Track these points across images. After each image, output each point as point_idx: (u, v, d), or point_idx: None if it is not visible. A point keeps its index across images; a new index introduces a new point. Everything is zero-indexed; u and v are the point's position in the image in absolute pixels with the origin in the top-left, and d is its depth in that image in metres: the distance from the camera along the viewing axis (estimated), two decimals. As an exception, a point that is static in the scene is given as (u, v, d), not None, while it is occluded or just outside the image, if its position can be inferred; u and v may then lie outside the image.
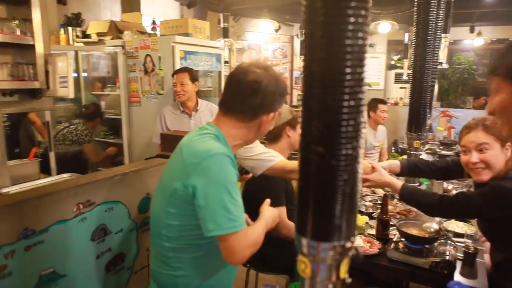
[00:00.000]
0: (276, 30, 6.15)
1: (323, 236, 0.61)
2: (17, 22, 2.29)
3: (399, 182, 1.67)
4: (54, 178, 2.67)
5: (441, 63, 4.01)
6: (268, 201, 1.40)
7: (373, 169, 1.71)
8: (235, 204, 1.14)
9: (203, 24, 3.59)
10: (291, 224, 1.91)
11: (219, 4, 5.53)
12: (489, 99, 1.05)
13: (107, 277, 1.43)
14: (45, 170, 3.14)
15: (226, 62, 4.60)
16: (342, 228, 0.61)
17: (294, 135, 2.08)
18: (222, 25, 5.15)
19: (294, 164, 1.66)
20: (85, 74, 4.03)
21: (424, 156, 3.41)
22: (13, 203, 1.13)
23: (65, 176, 2.69)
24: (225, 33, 5.11)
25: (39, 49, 2.36)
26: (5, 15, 2.33)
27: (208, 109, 3.07)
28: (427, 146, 4.08)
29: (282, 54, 7.33)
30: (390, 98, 7.27)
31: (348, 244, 0.62)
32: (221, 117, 1.28)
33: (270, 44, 7.20)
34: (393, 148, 4.93)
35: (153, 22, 4.87)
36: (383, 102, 3.89)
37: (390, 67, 8.04)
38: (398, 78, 7.79)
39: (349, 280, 0.66)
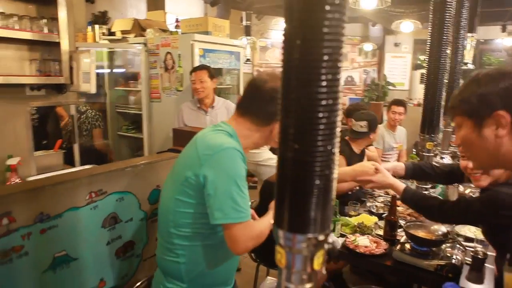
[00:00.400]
0: (299, 29, 6.14)
1: (298, 228, 0.64)
2: (45, 20, 2.41)
3: (401, 184, 1.66)
4: (75, 169, 2.80)
5: (466, 64, 3.90)
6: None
7: (377, 170, 1.71)
8: (242, 196, 1.21)
9: (223, 23, 3.65)
10: None
11: (242, 2, 5.58)
12: (456, 133, 1.08)
13: (117, 262, 1.50)
14: (71, 162, 3.29)
15: (248, 60, 4.66)
16: (316, 222, 0.64)
17: None
18: (244, 23, 5.21)
19: None
20: (109, 71, 4.18)
21: (447, 160, 3.33)
22: (30, 189, 1.22)
23: (87, 167, 2.81)
24: (247, 31, 5.17)
25: (64, 46, 2.48)
26: (35, 14, 2.47)
27: (225, 107, 3.12)
28: (450, 149, 3.98)
29: (305, 52, 7.33)
30: (413, 99, 7.12)
31: (322, 237, 0.65)
32: (237, 117, 1.36)
33: (293, 42, 7.20)
34: (413, 150, 4.84)
35: (177, 20, 4.98)
36: (397, 103, 3.77)
37: (416, 67, 7.87)
38: (423, 79, 7.62)
39: (323, 272, 0.70)
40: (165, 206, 1.33)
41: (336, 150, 0.64)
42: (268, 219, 1.33)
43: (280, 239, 0.67)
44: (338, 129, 0.63)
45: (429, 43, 2.12)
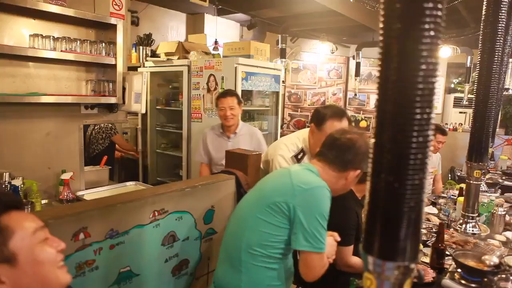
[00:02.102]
0: (333, 52, 6.22)
1: (389, 256, 0.68)
2: (103, 44, 2.58)
3: None
4: (120, 185, 2.91)
5: (507, 89, 3.85)
6: (337, 237, 1.57)
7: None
8: (324, 230, 1.37)
9: (264, 47, 3.76)
10: (356, 262, 1.94)
11: (278, 26, 5.72)
12: None
13: (172, 280, 1.56)
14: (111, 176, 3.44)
15: (282, 81, 4.73)
16: (406, 250, 0.67)
17: None
18: (280, 46, 5.33)
19: None
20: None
21: (483, 186, 3.26)
22: (103, 206, 1.31)
23: (129, 184, 2.93)
24: (282, 54, 5.28)
25: (120, 68, 2.63)
26: (94, 38, 2.64)
27: (249, 134, 2.99)
28: (487, 176, 3.90)
29: (337, 75, 7.36)
30: (448, 123, 7.00)
31: (412, 265, 0.68)
32: (317, 162, 1.53)
33: (325, 64, 7.27)
34: (449, 175, 4.76)
35: (215, 42, 5.16)
36: (442, 132, 3.68)
37: (449, 90, 7.76)
38: (457, 103, 7.47)
39: (410, 299, 0.72)
40: (243, 221, 1.44)
41: (426, 183, 0.68)
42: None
43: (369, 265, 0.70)
44: (428, 165, 0.67)
45: (477, 71, 2.13)
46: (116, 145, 4.03)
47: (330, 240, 1.51)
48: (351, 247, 1.98)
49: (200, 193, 1.65)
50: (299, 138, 2.22)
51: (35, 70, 2.48)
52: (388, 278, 0.68)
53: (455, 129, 6.13)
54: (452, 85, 7.78)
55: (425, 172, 0.67)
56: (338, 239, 1.57)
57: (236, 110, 2.83)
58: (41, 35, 2.36)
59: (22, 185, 2.34)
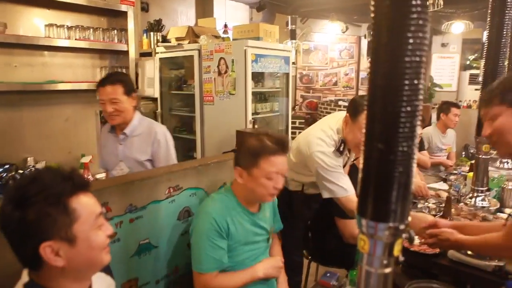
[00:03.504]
0: (343, 31, 6.16)
1: (381, 217, 0.74)
2: (115, 31, 2.65)
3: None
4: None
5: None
6: (278, 258, 1.72)
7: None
8: None
9: (273, 28, 3.78)
10: None
11: (287, 7, 5.68)
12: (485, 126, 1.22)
13: (188, 252, 1.65)
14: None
15: (293, 63, 4.76)
16: (397, 212, 0.73)
17: None
18: (289, 27, 5.31)
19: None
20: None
21: (510, 164, 3.23)
22: (122, 183, 1.40)
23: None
24: (292, 35, 5.27)
25: (132, 54, 2.71)
26: (106, 25, 2.71)
27: (148, 135, 2.06)
28: (496, 151, 3.86)
29: (348, 55, 7.30)
30: (462, 100, 6.90)
31: (402, 226, 0.74)
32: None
33: (336, 44, 7.20)
34: (463, 152, 4.73)
35: (225, 26, 5.17)
36: (456, 105, 3.79)
37: (464, 67, 7.61)
38: (473, 79, 7.33)
39: (401, 258, 0.79)
40: None
41: (416, 150, 0.74)
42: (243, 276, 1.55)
43: (363, 227, 0.77)
44: (417, 132, 0.72)
45: (486, 46, 2.12)
46: None
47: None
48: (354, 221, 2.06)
49: (213, 170, 1.73)
50: (333, 129, 2.01)
51: (52, 58, 2.58)
52: (380, 238, 0.75)
53: (469, 106, 6.06)
54: (468, 62, 7.63)
55: (414, 139, 0.73)
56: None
57: (122, 104, 1.99)
58: (56, 24, 2.45)
59: (45, 169, 2.48)
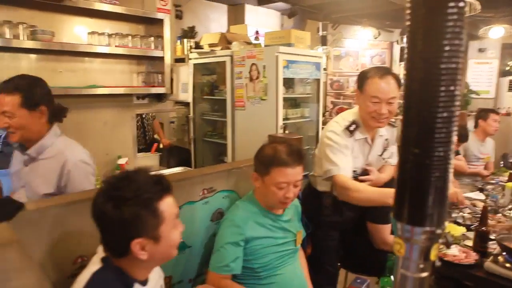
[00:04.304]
0: (376, 37, 6.09)
1: (417, 221, 0.75)
2: (152, 38, 2.76)
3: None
4: (171, 170, 3.11)
5: None
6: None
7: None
8: None
9: (304, 35, 3.80)
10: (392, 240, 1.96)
11: (318, 13, 5.69)
12: None
13: (220, 254, 1.70)
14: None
15: (324, 69, 4.75)
16: (433, 217, 0.74)
17: None
18: (321, 33, 5.32)
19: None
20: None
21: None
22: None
23: (179, 169, 3.12)
24: (323, 41, 5.27)
25: (167, 60, 2.81)
26: (143, 33, 2.83)
27: (56, 160, 1.60)
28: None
29: (380, 60, 7.20)
30: (501, 107, 6.64)
31: (438, 231, 0.75)
32: None
33: (368, 50, 7.12)
34: (501, 162, 4.55)
35: (256, 32, 5.25)
36: (495, 111, 3.67)
37: (503, 73, 7.32)
38: (516, 86, 7.03)
39: (438, 263, 0.79)
40: None
41: (452, 154, 0.74)
42: None
43: (399, 230, 0.78)
44: (454, 137, 0.73)
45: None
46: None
47: None
48: (389, 226, 2.02)
49: (245, 173, 1.77)
50: (350, 112, 2.04)
51: (92, 64, 2.71)
52: (417, 242, 0.75)
53: (508, 114, 5.82)
54: (507, 68, 7.33)
55: (450, 145, 0.73)
56: None
57: (18, 120, 1.53)
58: (97, 32, 2.58)
59: (84, 170, 2.59)
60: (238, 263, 1.52)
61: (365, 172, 1.99)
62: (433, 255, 0.78)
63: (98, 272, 1.01)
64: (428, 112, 0.71)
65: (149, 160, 3.32)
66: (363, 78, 1.90)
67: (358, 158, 1.98)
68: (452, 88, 0.71)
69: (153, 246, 1.02)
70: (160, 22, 2.75)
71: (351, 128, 1.92)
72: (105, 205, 0.99)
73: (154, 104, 3.06)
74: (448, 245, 0.76)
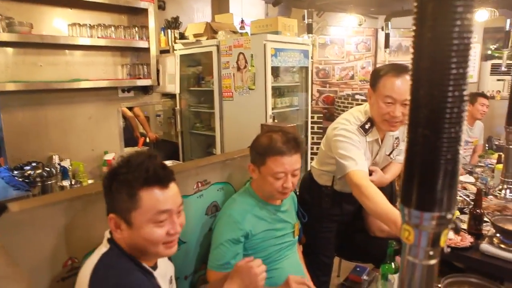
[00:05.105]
0: (360, 24, 6.07)
1: (426, 207, 0.72)
2: (136, 29, 2.66)
3: None
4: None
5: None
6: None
7: None
8: None
9: (291, 22, 3.75)
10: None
11: (303, 1, 5.63)
12: None
13: (216, 248, 1.65)
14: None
15: (310, 57, 4.69)
16: (443, 201, 0.71)
17: None
18: (306, 21, 5.26)
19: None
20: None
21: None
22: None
23: (168, 162, 3.05)
24: (309, 29, 5.21)
25: (153, 51, 2.72)
26: (127, 23, 2.73)
27: None
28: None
29: (365, 48, 7.19)
30: (484, 91, 6.72)
31: (449, 216, 0.72)
32: None
33: (353, 38, 7.10)
34: (487, 145, 4.62)
35: (242, 21, 5.16)
36: (483, 95, 3.64)
37: (485, 57, 7.41)
38: (495, 70, 7.12)
39: (448, 250, 0.76)
40: None
41: (462, 136, 0.71)
42: None
43: (407, 216, 0.75)
44: (464, 118, 0.70)
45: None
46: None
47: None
48: None
49: (239, 164, 1.72)
50: (361, 111, 1.90)
51: (74, 57, 2.61)
52: (426, 228, 0.72)
53: (492, 97, 5.89)
54: (489, 52, 7.42)
55: (461, 125, 0.70)
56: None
57: None
58: (78, 23, 2.47)
59: (70, 166, 2.51)
60: (238, 259, 1.48)
61: (369, 172, 1.93)
62: (442, 241, 0.75)
63: (106, 254, 1.04)
64: (439, 91, 0.68)
65: (137, 155, 3.24)
66: (376, 75, 1.77)
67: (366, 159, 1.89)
68: (463, 65, 0.67)
69: (126, 229, 1.04)
70: (144, 11, 2.66)
71: (367, 126, 1.83)
72: (106, 175, 1.07)
73: (140, 97, 2.97)
74: (457, 230, 0.73)
